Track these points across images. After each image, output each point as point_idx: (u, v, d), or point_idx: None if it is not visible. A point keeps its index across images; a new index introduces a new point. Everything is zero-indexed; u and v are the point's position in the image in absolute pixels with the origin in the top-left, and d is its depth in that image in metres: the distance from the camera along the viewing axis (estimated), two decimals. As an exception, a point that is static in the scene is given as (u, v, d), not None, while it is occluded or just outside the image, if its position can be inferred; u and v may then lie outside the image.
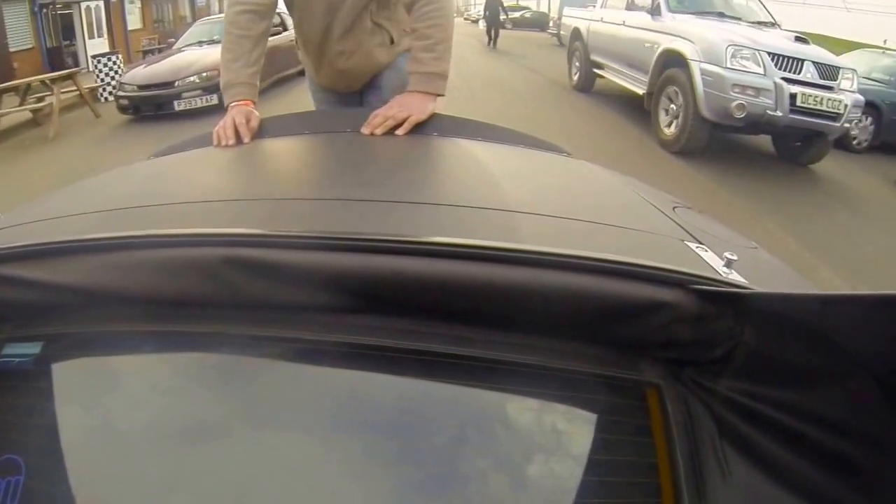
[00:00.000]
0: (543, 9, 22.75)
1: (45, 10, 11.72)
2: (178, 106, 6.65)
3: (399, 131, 1.23)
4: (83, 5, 12.54)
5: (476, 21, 16.53)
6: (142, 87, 6.80)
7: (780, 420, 0.50)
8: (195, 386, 0.62)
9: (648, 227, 0.85)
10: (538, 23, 20.05)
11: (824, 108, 4.64)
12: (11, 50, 10.51)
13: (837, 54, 5.69)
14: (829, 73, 4.80)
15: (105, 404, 0.60)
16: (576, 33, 7.98)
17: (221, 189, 0.96)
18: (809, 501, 0.48)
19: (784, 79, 4.58)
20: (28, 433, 0.58)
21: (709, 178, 4.73)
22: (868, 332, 0.44)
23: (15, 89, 7.18)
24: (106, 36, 13.27)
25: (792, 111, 4.56)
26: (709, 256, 0.73)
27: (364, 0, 1.48)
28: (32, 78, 7.59)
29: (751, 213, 4.12)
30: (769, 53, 4.64)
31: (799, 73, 4.67)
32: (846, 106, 4.73)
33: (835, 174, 5.55)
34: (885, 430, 0.44)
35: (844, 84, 4.85)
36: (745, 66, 4.61)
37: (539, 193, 0.96)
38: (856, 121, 5.20)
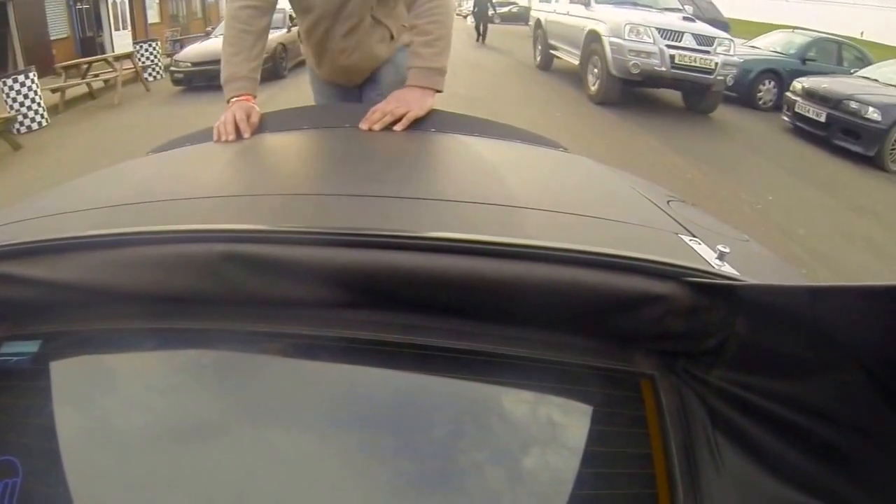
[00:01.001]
0: (530, 4, 24.12)
1: (77, 4, 12.72)
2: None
3: (397, 127, 1.24)
4: (110, 0, 13.94)
5: (465, 17, 16.63)
6: (195, 64, 8.49)
7: (772, 410, 0.51)
8: (195, 383, 0.61)
9: (643, 220, 0.86)
10: (523, 17, 21.42)
11: (698, 65, 6.54)
12: (51, 39, 11.41)
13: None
14: (705, 41, 6.64)
15: (104, 403, 0.60)
16: (538, 23, 9.82)
17: (220, 185, 0.95)
18: (801, 490, 0.49)
19: (668, 45, 6.44)
20: (26, 434, 0.58)
21: (624, 120, 6.59)
22: (858, 323, 0.44)
23: (76, 67, 8.83)
24: (130, 28, 14.62)
25: (673, 67, 6.48)
26: (702, 249, 0.74)
27: None
28: (98, 57, 9.34)
29: (652, 143, 5.92)
30: (657, 29, 6.52)
31: (679, 41, 6.53)
32: (717, 64, 6.59)
33: (734, 121, 7.40)
34: (875, 419, 0.44)
35: (720, 49, 6.68)
36: (639, 38, 6.51)
37: (535, 188, 0.96)
38: (730, 75, 6.98)
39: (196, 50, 8.94)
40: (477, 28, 14.16)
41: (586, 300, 0.57)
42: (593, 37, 7.10)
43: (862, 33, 14.77)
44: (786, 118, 7.35)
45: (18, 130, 6.58)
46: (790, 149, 6.64)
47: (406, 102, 1.27)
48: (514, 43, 13.68)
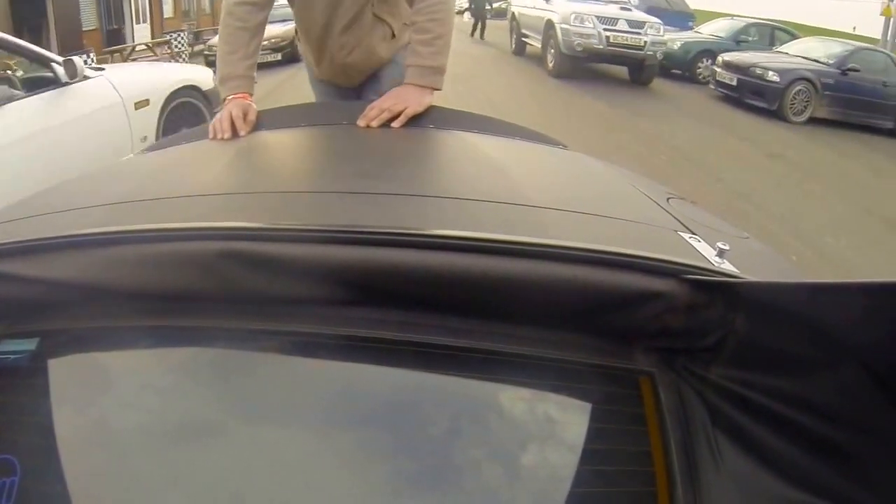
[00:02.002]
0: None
1: (104, -1, 14.11)
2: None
3: (395, 123, 1.23)
4: (131, -4, 15.39)
5: (462, 13, 16.16)
6: None
7: (772, 407, 0.51)
8: (193, 381, 0.61)
9: (642, 217, 0.86)
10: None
11: (629, 43, 8.35)
12: (83, 30, 12.37)
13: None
14: (637, 25, 8.43)
15: (102, 401, 0.60)
16: (513, 16, 11.62)
17: (217, 182, 0.95)
18: (801, 487, 0.49)
19: (605, 29, 8.24)
20: (23, 433, 0.57)
21: (576, 88, 8.34)
22: (858, 320, 0.44)
23: (120, 52, 10.39)
24: (149, 22, 15.65)
25: (609, 45, 8.31)
26: (701, 246, 0.74)
27: None
28: (140, 42, 10.99)
29: (595, 105, 7.67)
30: (597, 16, 8.30)
31: (615, 26, 8.32)
32: (646, 42, 8.38)
33: (670, 90, 9.20)
34: (875, 417, 0.44)
35: (649, 31, 8.46)
36: (582, 24, 8.30)
37: (534, 185, 0.95)
38: (659, 52, 8.78)
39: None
40: (475, 25, 14.27)
41: (585, 297, 0.57)
42: (549, 25, 8.90)
43: (854, 28, 16.43)
44: (712, 86, 9.15)
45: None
46: (711, 107, 8.45)
47: (403, 99, 1.27)
48: (497, 36, 15.44)
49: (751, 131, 7.35)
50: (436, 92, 1.35)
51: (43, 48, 3.21)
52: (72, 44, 11.03)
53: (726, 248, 0.70)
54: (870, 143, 7.68)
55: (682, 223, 0.84)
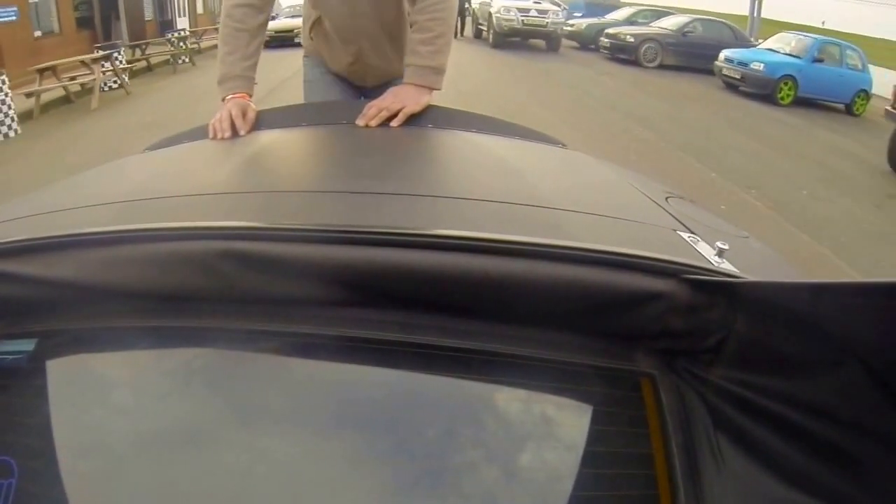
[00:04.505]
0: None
1: (157, -5, 16.72)
2: (295, 40, 11.99)
3: (393, 123, 1.25)
4: (174, -6, 17.79)
5: None
6: (277, 32, 12.84)
7: (773, 409, 0.51)
8: (191, 381, 0.61)
9: (641, 217, 0.86)
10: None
11: (537, 23, 13.45)
12: (145, 20, 15.41)
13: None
14: (543, 12, 13.46)
15: (100, 402, 0.60)
16: (473, 11, 16.71)
17: (216, 182, 0.95)
18: (802, 489, 0.49)
19: (521, 14, 13.28)
20: (21, 434, 0.57)
21: (508, 56, 13.23)
22: (859, 321, 0.44)
23: (169, 41, 11.82)
24: (187, 16, 18.58)
25: (524, 25, 13.40)
26: (701, 246, 0.74)
27: None
28: (206, 27, 15.41)
29: (521, 64, 12.55)
30: (517, 8, 13.29)
31: (528, 13, 13.34)
32: (549, 22, 13.44)
33: (572, 54, 14.12)
34: (877, 418, 0.44)
35: (551, 16, 13.46)
36: (507, 11, 13.37)
37: (533, 185, 0.96)
38: (559, 29, 13.80)
39: (272, 25, 13.21)
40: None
41: (584, 298, 0.57)
42: (489, 14, 13.96)
43: (823, 22, 20.07)
44: (602, 51, 14.05)
45: (183, 61, 11.56)
46: (595, 62, 13.43)
47: (402, 98, 1.28)
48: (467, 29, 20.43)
49: (615, 71, 12.19)
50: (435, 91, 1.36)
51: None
52: (136, 32, 13.71)
53: (726, 247, 0.70)
54: (688, 75, 12.42)
55: (681, 222, 0.85)
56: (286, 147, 1.23)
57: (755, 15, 17.52)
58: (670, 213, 0.89)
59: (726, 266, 0.67)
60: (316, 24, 1.66)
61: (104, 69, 8.33)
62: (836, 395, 0.46)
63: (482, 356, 0.59)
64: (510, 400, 0.60)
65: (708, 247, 0.73)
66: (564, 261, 0.57)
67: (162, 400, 0.60)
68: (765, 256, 0.94)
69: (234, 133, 1.23)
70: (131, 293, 0.60)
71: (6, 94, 6.28)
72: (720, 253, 0.70)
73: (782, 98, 10.05)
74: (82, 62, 8.27)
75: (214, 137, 1.24)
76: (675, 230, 0.80)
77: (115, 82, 8.72)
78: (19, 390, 0.60)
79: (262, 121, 1.30)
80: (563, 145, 1.36)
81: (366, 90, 1.74)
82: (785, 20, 19.42)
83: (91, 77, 8.06)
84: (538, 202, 0.81)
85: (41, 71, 7.61)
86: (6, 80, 6.31)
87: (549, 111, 7.55)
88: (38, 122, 6.92)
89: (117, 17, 13.85)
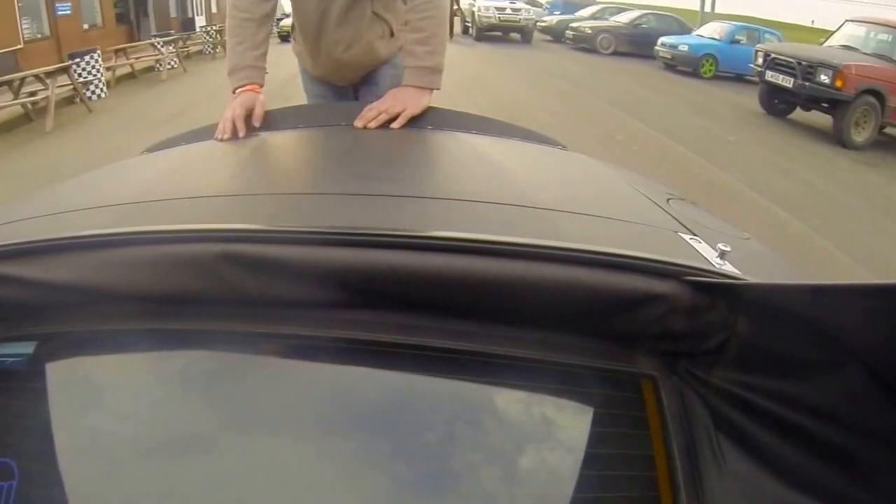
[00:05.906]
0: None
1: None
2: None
3: (394, 125, 1.24)
4: (193, -7, 19.27)
5: None
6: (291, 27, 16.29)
7: (774, 410, 0.51)
8: (191, 384, 0.61)
9: (643, 218, 0.85)
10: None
11: (511, 19, 16.15)
12: (171, 17, 16.70)
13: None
14: (516, 10, 16.13)
15: (100, 405, 0.59)
16: (461, 10, 19.11)
17: (216, 184, 0.95)
18: (804, 491, 0.49)
19: (498, 12, 15.93)
20: (21, 436, 0.57)
21: (488, 47, 15.76)
22: (861, 322, 0.44)
23: (206, 33, 13.76)
24: (204, 14, 19.85)
25: (500, 21, 16.06)
26: (702, 248, 0.74)
27: None
28: (204, 26, 17.17)
29: (501, 53, 15.06)
30: (495, 7, 15.96)
31: (505, 11, 16.00)
32: (521, 18, 16.13)
33: (543, 45, 16.68)
34: (878, 419, 0.44)
35: (523, 13, 16.11)
36: (486, 10, 16.03)
37: (534, 186, 0.96)
38: (530, 24, 16.37)
39: (287, 21, 16.62)
40: None
41: (586, 300, 0.57)
42: (472, 12, 16.51)
43: (812, 21, 21.72)
44: (568, 42, 16.47)
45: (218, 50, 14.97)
46: (560, 51, 15.89)
47: (402, 101, 1.27)
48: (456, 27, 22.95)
49: (574, 57, 14.64)
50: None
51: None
52: (163, 28, 14.58)
53: (727, 249, 0.69)
54: (637, 60, 14.77)
55: (682, 224, 0.84)
56: (286, 149, 1.25)
57: (704, 10, 20.06)
58: (672, 215, 0.89)
59: (728, 268, 0.67)
60: (294, 31, 1.67)
61: (166, 52, 10.76)
62: (838, 396, 0.47)
63: (483, 358, 0.59)
64: (511, 402, 0.60)
65: (709, 248, 0.73)
66: (565, 262, 0.57)
67: (162, 402, 0.60)
68: (766, 258, 0.94)
69: (234, 135, 1.23)
70: (130, 296, 0.59)
71: (99, 67, 8.53)
72: (722, 255, 0.70)
73: (705, 72, 12.44)
74: (151, 45, 10.84)
75: (215, 139, 1.24)
76: (676, 232, 0.81)
77: (170, 63, 11.06)
78: (20, 393, 0.60)
79: (264, 122, 1.29)
80: (563, 146, 1.37)
81: (355, 87, 1.72)
82: (779, 20, 21.19)
83: (155, 57, 10.53)
84: (539, 204, 0.81)
85: (116, 52, 9.98)
86: (100, 56, 8.57)
87: (514, 84, 9.94)
88: (115, 90, 9.12)
89: (146, 14, 15.63)
